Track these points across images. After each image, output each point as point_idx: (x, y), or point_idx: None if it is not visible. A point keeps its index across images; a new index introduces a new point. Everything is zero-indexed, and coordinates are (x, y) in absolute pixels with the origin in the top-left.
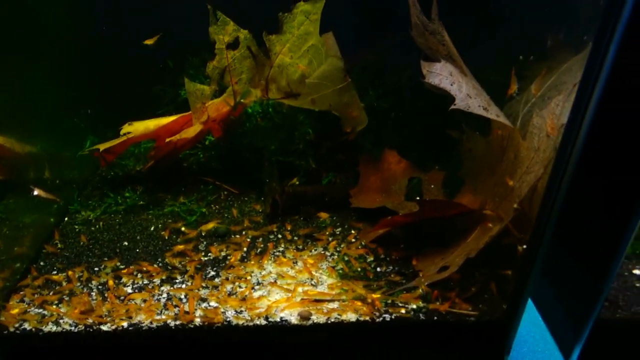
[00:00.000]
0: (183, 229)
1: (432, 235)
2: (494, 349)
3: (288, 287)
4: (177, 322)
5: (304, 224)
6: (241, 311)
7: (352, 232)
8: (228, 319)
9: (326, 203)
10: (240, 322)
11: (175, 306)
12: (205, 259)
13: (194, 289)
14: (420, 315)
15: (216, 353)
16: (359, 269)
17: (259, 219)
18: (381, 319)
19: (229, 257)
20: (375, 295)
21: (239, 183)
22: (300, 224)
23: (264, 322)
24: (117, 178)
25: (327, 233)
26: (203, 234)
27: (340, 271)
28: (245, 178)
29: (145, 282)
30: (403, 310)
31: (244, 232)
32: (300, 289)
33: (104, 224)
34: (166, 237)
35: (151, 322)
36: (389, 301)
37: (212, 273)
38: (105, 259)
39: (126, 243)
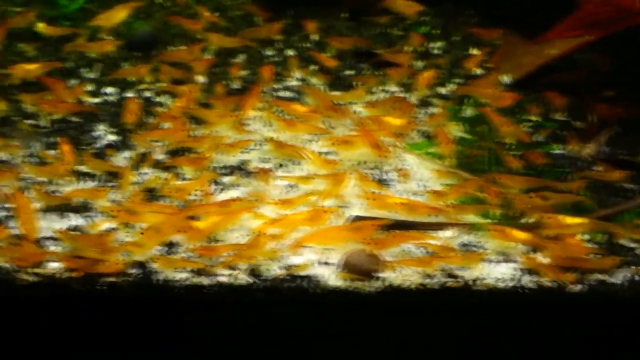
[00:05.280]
0: (40, 27)
1: None
2: None
3: (310, 185)
4: None
5: (351, 25)
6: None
7: (474, 50)
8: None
9: None
10: (158, 279)
11: None
12: (93, 101)
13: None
14: None
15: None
16: (511, 145)
17: (250, 7)
18: (580, 288)
19: (153, 99)
20: (567, 220)
21: None
22: (340, 26)
23: (245, 282)
24: None
25: (412, 49)
26: (85, 37)
27: (461, 146)
28: None
29: None
30: None
31: (204, 39)
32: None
33: None
34: None
35: None
36: (603, 235)
37: (110, 138)
38: None
39: None
